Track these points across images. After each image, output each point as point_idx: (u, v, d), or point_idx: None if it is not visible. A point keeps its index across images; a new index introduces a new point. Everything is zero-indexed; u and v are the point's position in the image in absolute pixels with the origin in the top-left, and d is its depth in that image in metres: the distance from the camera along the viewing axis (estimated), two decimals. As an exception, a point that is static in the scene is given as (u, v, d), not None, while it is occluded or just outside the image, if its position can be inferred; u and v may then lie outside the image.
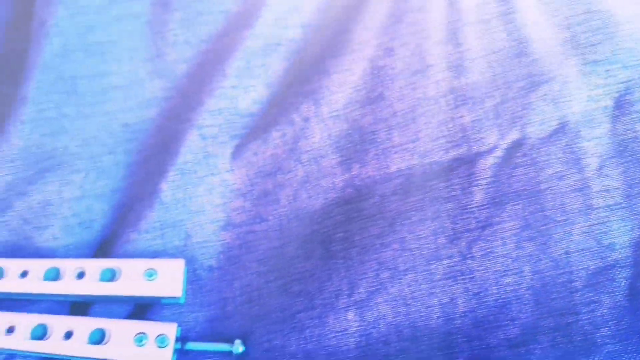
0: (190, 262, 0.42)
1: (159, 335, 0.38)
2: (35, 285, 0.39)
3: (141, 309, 0.42)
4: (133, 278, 0.40)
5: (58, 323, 0.38)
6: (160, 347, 0.38)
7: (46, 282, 0.39)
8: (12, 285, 0.39)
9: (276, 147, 0.43)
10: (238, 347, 0.39)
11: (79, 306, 0.41)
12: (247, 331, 0.40)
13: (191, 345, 0.39)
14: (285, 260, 0.41)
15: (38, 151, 0.41)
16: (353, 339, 0.37)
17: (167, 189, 0.42)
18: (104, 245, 0.43)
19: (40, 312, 0.40)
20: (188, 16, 0.44)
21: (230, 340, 0.40)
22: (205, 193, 0.43)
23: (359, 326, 0.37)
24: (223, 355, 0.40)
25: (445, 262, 0.36)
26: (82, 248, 0.43)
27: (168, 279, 0.40)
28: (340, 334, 0.37)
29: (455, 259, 0.36)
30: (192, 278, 0.42)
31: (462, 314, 0.35)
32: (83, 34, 0.42)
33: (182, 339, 0.39)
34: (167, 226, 0.42)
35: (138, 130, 0.45)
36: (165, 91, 0.45)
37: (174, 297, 0.40)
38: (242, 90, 0.44)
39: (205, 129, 0.43)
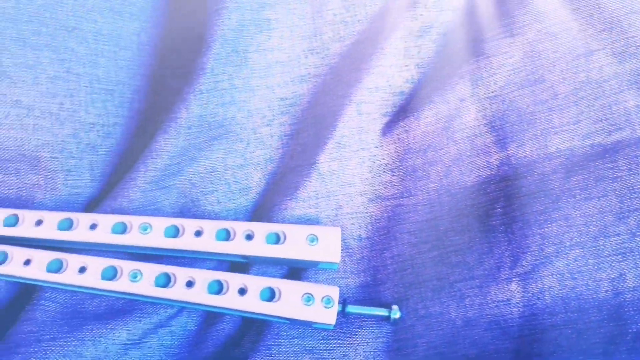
0: (340, 232, 0.44)
1: (324, 297, 0.40)
2: (209, 244, 0.42)
3: (295, 272, 0.44)
4: (296, 242, 0.42)
5: (232, 280, 0.41)
6: (326, 307, 0.40)
7: (218, 242, 0.42)
8: (186, 243, 0.42)
9: (428, 125, 0.45)
10: (395, 313, 0.41)
11: (236, 267, 0.44)
12: (401, 298, 0.42)
13: (351, 308, 0.41)
14: (438, 233, 0.43)
15: (211, 120, 0.44)
16: (516, 309, 0.38)
17: (324, 160, 0.45)
18: (258, 211, 0.45)
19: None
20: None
21: (383, 306, 0.42)
22: (356, 166, 0.45)
23: (522, 297, 0.38)
24: (378, 319, 0.42)
25: (613, 239, 0.38)
26: (240, 213, 0.45)
27: (328, 245, 0.42)
28: (502, 303, 0.39)
29: (623, 237, 0.37)
30: (342, 247, 0.44)
31: (632, 289, 0.36)
32: (256, 10, 0.44)
33: (342, 301, 0.41)
34: (322, 196, 0.45)
35: (291, 104, 0.47)
36: (317, 68, 0.47)
37: (332, 263, 0.42)
38: (397, 69, 0.46)
39: (362, 105, 0.45)
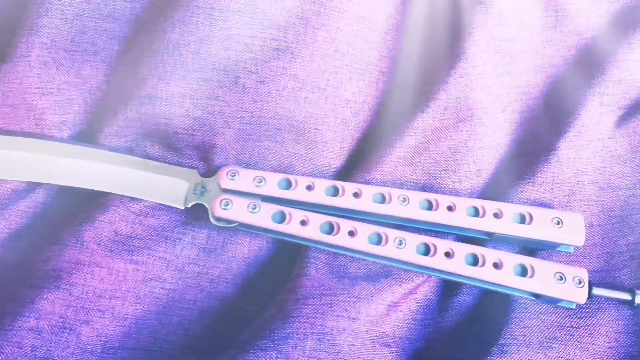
0: (575, 218, 0.46)
1: (575, 277, 0.42)
2: (461, 219, 0.44)
3: (527, 252, 0.46)
4: (543, 224, 0.44)
5: (488, 254, 0.43)
6: (577, 286, 0.42)
7: (469, 217, 0.44)
8: (440, 217, 0.44)
9: None
10: (640, 297, 0.43)
11: (472, 243, 0.46)
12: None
13: (596, 290, 0.43)
14: (681, 224, 0.44)
15: (463, 103, 0.46)
16: None
17: (564, 147, 0.46)
18: (487, 192, 0.48)
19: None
20: (597, -8, 0.48)
21: (619, 290, 0.43)
22: (589, 155, 0.47)
23: None
24: (615, 302, 0.43)
25: None
26: (474, 193, 0.47)
27: (571, 229, 0.44)
28: None
29: None
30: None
31: None
32: (512, 2, 0.47)
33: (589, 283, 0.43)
34: (557, 182, 0.46)
35: (524, 93, 0.49)
36: (552, 59, 0.49)
37: (570, 246, 0.44)
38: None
39: (605, 97, 0.47)
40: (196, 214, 0.46)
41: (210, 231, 0.45)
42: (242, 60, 0.44)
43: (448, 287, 0.46)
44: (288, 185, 0.45)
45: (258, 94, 0.45)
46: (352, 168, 0.48)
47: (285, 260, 0.46)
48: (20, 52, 0.44)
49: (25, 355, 0.39)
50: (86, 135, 0.47)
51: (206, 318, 0.43)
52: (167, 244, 0.44)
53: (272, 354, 0.38)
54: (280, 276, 0.45)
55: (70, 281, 0.41)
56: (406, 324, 0.43)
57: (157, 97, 0.44)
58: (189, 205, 0.44)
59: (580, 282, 0.42)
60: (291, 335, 0.39)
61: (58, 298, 0.40)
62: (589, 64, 0.48)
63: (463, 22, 0.46)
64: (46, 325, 0.39)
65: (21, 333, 0.39)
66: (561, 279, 0.42)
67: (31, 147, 0.43)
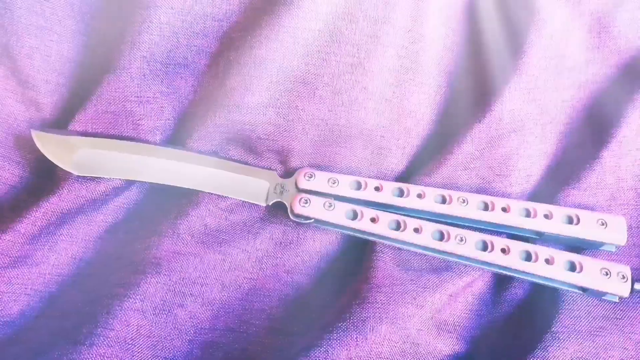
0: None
1: (619, 272, 0.47)
2: (515, 220, 0.49)
3: (572, 251, 0.51)
4: (589, 225, 0.49)
5: (540, 251, 0.48)
6: (621, 281, 0.47)
7: (521, 218, 0.49)
8: (495, 217, 0.49)
9: None
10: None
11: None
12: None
13: (638, 286, 0.47)
14: None
15: (515, 114, 0.51)
16: None
17: (607, 156, 0.51)
18: (535, 196, 0.52)
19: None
20: (636, 16, 0.53)
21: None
22: (629, 164, 0.52)
23: None
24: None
25: None
26: (523, 196, 0.52)
27: (615, 230, 0.49)
28: None
29: None
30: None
31: None
32: (565, 22, 0.51)
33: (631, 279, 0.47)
34: (600, 187, 0.51)
35: (568, 106, 0.54)
36: (595, 75, 0.54)
37: (615, 245, 0.49)
38: None
39: (645, 112, 0.52)
40: (273, 212, 0.51)
41: (285, 227, 0.50)
42: (320, 74, 0.49)
43: (501, 282, 0.50)
44: (359, 186, 0.49)
45: (333, 104, 0.50)
46: (412, 172, 0.53)
47: (352, 255, 0.51)
48: (123, 64, 0.49)
49: (131, 333, 0.43)
50: (175, 140, 0.52)
51: (286, 304, 0.48)
52: (249, 238, 0.49)
53: (352, 335, 0.43)
54: (348, 269, 0.50)
55: (170, 267, 0.46)
56: (463, 314, 0.48)
57: (243, 106, 0.49)
58: (270, 203, 0.49)
59: (624, 278, 0.47)
60: (368, 318, 0.44)
61: (159, 283, 0.45)
62: (629, 80, 0.53)
63: (516, 41, 0.51)
64: (149, 307, 0.44)
65: (129, 313, 0.43)
66: (607, 274, 0.47)
67: (131, 149, 0.49)
